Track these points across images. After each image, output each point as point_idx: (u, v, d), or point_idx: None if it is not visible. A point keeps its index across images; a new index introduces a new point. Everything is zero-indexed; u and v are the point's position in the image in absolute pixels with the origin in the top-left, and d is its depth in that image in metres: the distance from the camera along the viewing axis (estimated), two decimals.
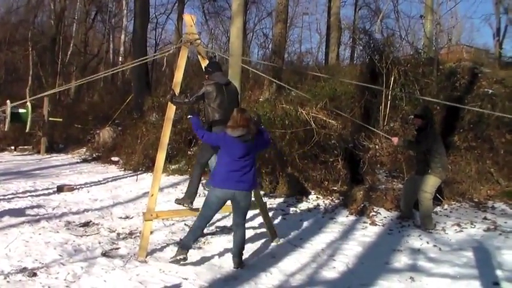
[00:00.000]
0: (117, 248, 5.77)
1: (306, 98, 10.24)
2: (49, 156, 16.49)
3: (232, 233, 5.26)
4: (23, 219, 6.95)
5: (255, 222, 7.15)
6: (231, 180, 4.91)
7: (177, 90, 5.93)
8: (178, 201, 6.03)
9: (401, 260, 5.44)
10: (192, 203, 5.94)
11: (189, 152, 12.29)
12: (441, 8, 15.59)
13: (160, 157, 5.78)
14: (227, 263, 5.27)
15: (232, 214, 5.32)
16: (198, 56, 6.57)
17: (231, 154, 4.93)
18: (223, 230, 6.65)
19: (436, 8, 14.53)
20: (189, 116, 5.53)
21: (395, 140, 6.99)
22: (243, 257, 5.26)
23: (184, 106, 7.37)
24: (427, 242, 6.02)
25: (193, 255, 5.49)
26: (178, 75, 6.09)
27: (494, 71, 12.28)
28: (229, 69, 9.90)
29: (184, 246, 5.12)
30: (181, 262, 5.05)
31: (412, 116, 8.11)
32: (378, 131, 9.05)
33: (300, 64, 18.27)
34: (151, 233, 5.83)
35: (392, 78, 10.29)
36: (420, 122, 6.79)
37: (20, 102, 8.55)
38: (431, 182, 6.65)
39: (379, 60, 10.44)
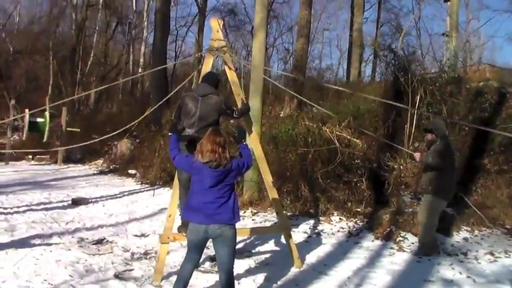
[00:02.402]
0: (131, 270, 5.55)
1: (328, 116, 9.94)
2: (66, 166, 16.48)
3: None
4: (35, 233, 6.80)
5: (276, 245, 6.87)
6: (202, 213, 4.08)
7: None
8: (179, 229, 5.41)
9: None
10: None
11: None
12: (465, 26, 15.33)
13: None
14: None
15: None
16: (225, 66, 5.91)
17: (201, 183, 4.14)
18: (243, 253, 6.36)
19: (465, 26, 14.24)
20: (170, 134, 4.89)
21: (417, 155, 6.53)
22: None
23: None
24: (460, 273, 5.66)
25: (209, 279, 5.23)
26: None
27: None
28: (251, 84, 9.57)
29: None
30: None
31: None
32: (402, 147, 8.70)
33: (321, 80, 18.00)
34: (168, 253, 5.54)
35: (418, 97, 9.97)
36: (430, 137, 6.30)
37: (39, 109, 8.44)
38: (431, 204, 6.16)
39: (405, 78, 10.12)
